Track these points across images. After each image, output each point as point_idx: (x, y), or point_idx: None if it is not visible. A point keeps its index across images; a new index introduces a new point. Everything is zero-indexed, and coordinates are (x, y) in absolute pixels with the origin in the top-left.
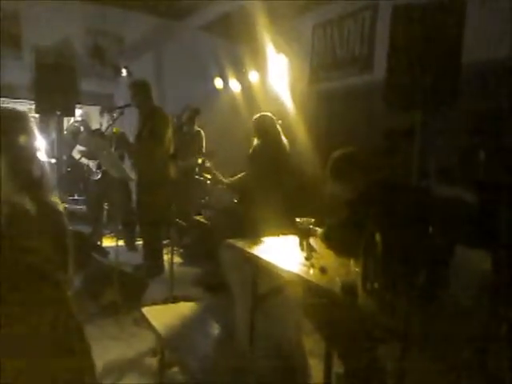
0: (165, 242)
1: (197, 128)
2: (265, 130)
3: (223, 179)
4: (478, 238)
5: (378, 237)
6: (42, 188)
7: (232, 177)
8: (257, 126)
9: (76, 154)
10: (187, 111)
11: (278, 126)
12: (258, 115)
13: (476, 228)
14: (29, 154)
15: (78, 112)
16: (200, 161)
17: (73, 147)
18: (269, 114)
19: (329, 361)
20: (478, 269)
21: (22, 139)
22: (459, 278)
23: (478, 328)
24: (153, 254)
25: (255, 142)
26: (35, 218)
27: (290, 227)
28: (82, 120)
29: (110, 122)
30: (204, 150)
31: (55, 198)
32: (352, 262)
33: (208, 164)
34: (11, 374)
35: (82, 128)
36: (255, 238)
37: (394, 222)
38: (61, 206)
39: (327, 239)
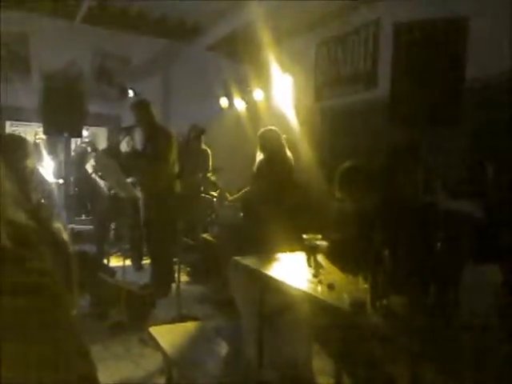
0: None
1: (204, 147)
2: (269, 144)
3: (227, 195)
4: (488, 252)
5: (386, 253)
6: (42, 212)
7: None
8: (262, 141)
9: (89, 168)
10: (193, 131)
11: (283, 141)
12: (263, 129)
13: (485, 242)
14: (27, 177)
15: (85, 133)
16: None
17: (80, 168)
18: (274, 128)
19: (339, 379)
20: (488, 283)
21: (19, 162)
22: (469, 292)
23: (490, 343)
24: (160, 273)
25: (260, 156)
26: (39, 240)
27: (296, 243)
28: (89, 141)
29: (117, 142)
30: (210, 168)
31: (58, 224)
32: (360, 278)
33: (213, 178)
34: None
35: (89, 149)
36: (262, 254)
37: (401, 237)
38: (64, 234)
39: (332, 255)
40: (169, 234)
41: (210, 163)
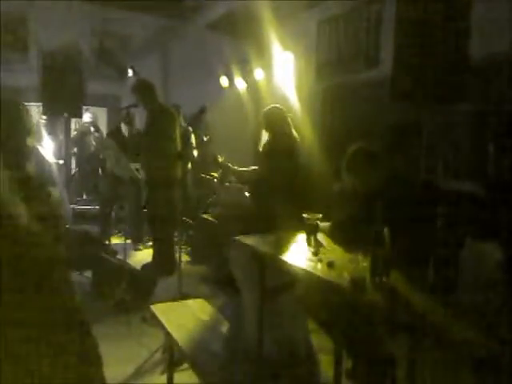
0: None
1: (185, 126)
2: (275, 123)
3: (238, 168)
4: (488, 230)
5: (386, 231)
6: (37, 182)
7: None
8: (266, 120)
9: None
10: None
11: (289, 119)
12: (268, 108)
13: (485, 220)
14: (17, 145)
15: (88, 113)
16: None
17: (82, 147)
18: (279, 106)
19: (338, 356)
20: (488, 260)
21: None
22: (469, 270)
23: (489, 319)
24: (164, 253)
25: (265, 135)
26: (35, 215)
27: (297, 222)
28: (93, 121)
29: (119, 122)
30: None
31: (57, 196)
32: (360, 256)
33: (221, 159)
34: (13, 370)
35: (92, 129)
36: (263, 234)
37: (402, 216)
38: (62, 209)
39: (334, 234)
40: (171, 214)
41: (193, 141)
